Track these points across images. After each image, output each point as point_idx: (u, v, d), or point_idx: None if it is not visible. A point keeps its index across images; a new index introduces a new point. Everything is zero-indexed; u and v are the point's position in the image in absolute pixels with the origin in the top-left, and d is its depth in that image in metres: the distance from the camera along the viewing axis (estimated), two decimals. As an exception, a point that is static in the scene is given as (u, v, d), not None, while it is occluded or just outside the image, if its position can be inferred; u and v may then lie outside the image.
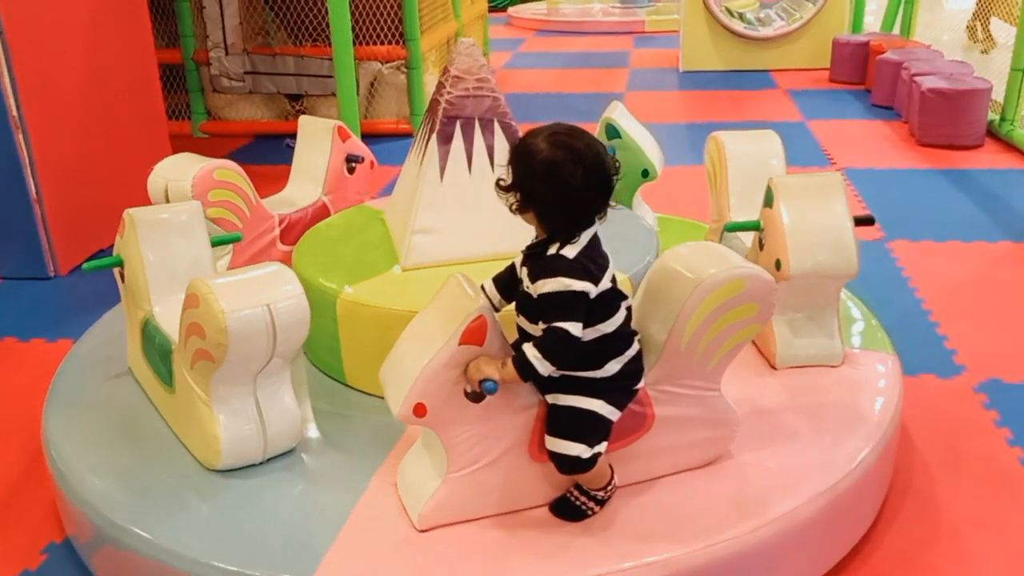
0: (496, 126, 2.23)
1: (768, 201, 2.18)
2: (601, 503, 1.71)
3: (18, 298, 3.33)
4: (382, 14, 5.13)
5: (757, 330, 1.76)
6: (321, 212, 2.87)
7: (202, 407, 1.84)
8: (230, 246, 2.59)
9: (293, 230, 2.76)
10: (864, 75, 6.38)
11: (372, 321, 2.05)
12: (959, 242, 3.64)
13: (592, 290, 1.55)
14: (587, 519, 1.70)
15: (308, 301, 1.82)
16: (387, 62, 5.28)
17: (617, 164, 1.60)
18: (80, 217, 3.54)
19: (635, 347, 1.69)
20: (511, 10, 10.41)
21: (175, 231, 2.14)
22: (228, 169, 2.60)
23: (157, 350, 2.01)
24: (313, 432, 2.01)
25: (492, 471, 1.68)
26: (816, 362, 2.18)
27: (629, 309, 1.70)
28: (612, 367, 1.65)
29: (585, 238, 1.58)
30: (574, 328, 1.54)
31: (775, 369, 2.18)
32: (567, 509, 1.70)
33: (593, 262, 1.58)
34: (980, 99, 4.83)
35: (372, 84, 5.40)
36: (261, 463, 1.87)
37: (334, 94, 4.48)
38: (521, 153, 1.57)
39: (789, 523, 1.72)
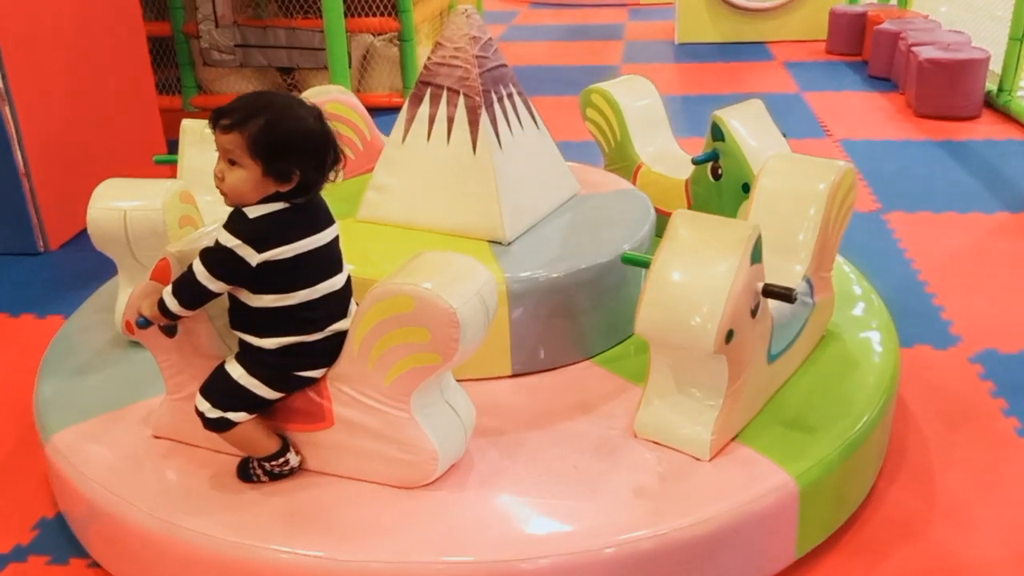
0: (460, 98, 2.19)
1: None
2: (271, 475, 1.73)
3: (8, 274, 3.30)
4: (374, -15, 5.06)
5: (437, 362, 1.60)
6: None
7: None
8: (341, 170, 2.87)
9: None
10: (861, 46, 6.31)
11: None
12: (956, 213, 3.62)
13: (251, 255, 1.56)
14: (254, 484, 1.73)
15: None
16: (380, 34, 5.21)
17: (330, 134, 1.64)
18: (70, 191, 3.49)
19: (314, 336, 1.66)
20: (505, -18, 10.28)
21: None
22: (341, 103, 2.75)
23: None
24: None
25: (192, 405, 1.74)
26: (676, 445, 1.80)
27: (332, 297, 1.67)
28: (270, 342, 1.65)
29: (280, 204, 1.59)
30: (204, 277, 1.59)
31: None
32: (242, 470, 1.75)
33: (274, 230, 1.58)
34: (978, 69, 4.79)
35: (365, 57, 5.33)
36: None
37: (326, 67, 4.44)
38: (236, 111, 1.65)
39: None
